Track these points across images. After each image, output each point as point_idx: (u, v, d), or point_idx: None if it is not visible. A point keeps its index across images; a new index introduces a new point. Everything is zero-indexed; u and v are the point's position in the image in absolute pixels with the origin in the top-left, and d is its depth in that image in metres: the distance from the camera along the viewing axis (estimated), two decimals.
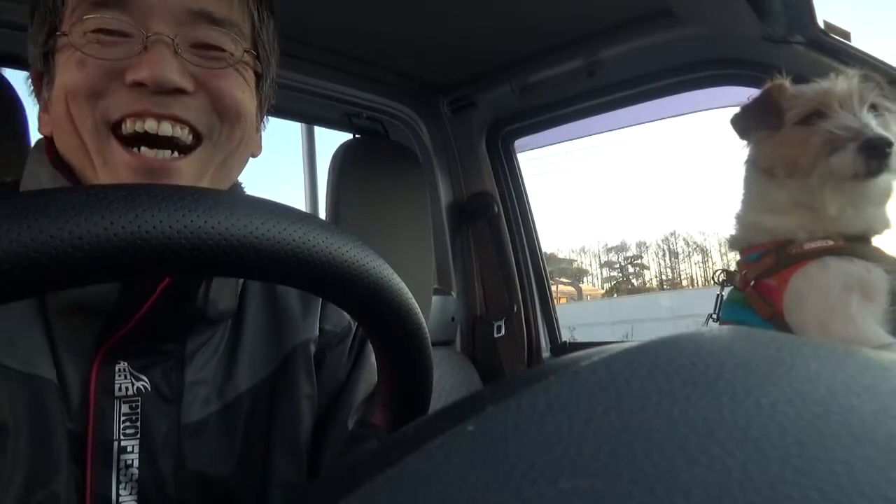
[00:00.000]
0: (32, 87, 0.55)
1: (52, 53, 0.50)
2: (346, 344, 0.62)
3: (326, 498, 0.15)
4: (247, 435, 0.54)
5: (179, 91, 0.48)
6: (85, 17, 0.48)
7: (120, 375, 0.48)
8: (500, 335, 1.57)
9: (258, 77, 0.56)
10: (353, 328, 0.63)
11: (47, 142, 0.52)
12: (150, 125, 0.47)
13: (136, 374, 0.49)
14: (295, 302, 0.60)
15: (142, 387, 0.49)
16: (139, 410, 0.48)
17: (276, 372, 0.57)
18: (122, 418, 0.48)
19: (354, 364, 0.62)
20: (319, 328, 0.60)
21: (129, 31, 0.48)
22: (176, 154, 0.49)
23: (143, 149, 0.47)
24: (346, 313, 0.61)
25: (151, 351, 0.50)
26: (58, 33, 0.49)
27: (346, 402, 0.59)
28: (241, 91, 0.52)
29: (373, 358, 0.63)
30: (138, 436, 0.48)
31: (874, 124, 0.83)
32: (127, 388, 0.48)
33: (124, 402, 0.48)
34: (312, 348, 0.59)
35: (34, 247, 0.23)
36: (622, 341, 0.22)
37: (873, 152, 0.81)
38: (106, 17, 0.48)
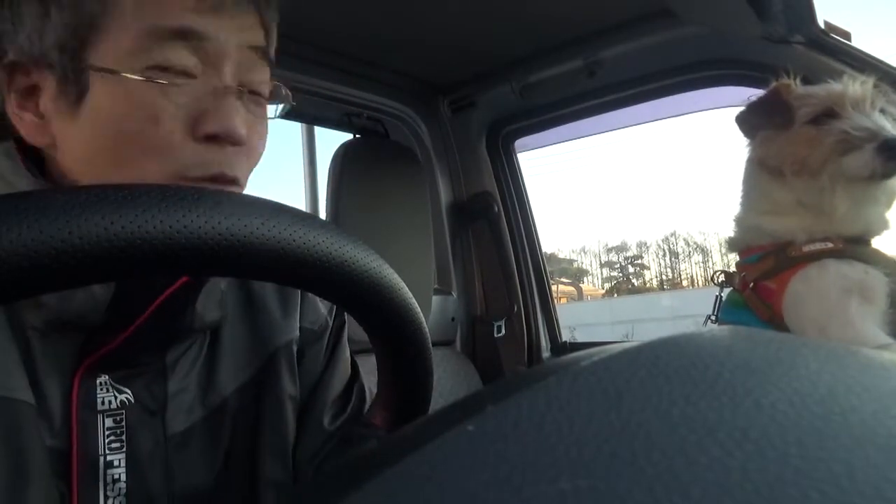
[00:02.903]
0: (6, 80, 0.47)
1: (81, 72, 0.45)
2: (324, 341, 0.62)
3: (326, 498, 0.15)
4: (233, 439, 0.53)
5: (239, 144, 0.47)
6: (149, 49, 0.44)
7: (102, 389, 0.47)
8: (500, 335, 1.57)
9: None
10: (330, 324, 0.62)
11: (24, 150, 0.48)
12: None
13: (118, 386, 0.48)
14: (273, 302, 0.59)
15: (125, 399, 0.48)
16: (124, 424, 0.47)
17: (260, 373, 0.56)
18: (107, 432, 0.46)
19: (329, 360, 0.61)
20: (299, 327, 0.60)
21: (194, 72, 0.45)
22: None
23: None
24: (322, 309, 0.62)
25: (133, 363, 0.49)
26: (113, 69, 0.44)
27: (321, 399, 0.59)
28: (266, 133, 0.52)
29: (347, 353, 0.63)
30: (124, 449, 0.47)
31: (890, 126, 0.83)
32: (110, 402, 0.47)
33: (108, 416, 0.47)
34: (295, 348, 0.59)
35: (35, 247, 0.23)
36: (622, 341, 0.22)
37: (891, 153, 0.81)
38: (174, 52, 0.45)
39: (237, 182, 0.48)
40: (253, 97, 0.49)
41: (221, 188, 0.46)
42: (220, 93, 0.46)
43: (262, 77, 0.50)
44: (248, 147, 0.49)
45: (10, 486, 0.42)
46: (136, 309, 0.46)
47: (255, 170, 0.58)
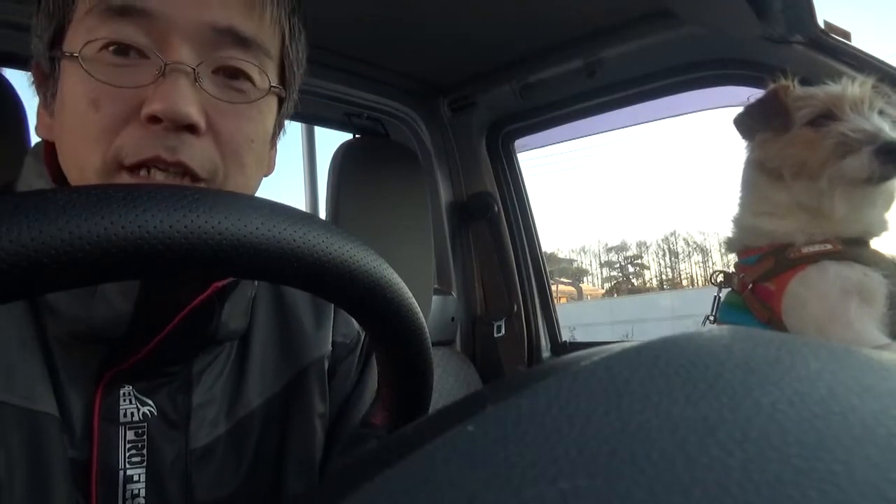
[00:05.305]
0: (33, 80, 0.50)
1: (59, 60, 0.45)
2: (356, 355, 0.60)
3: (326, 498, 0.15)
4: (257, 454, 0.52)
5: (192, 128, 0.43)
6: (97, 29, 0.43)
7: (125, 400, 0.46)
8: (500, 335, 1.57)
9: (280, 101, 0.52)
10: (362, 338, 0.61)
11: (47, 147, 0.48)
12: (158, 176, 0.43)
13: (141, 398, 0.47)
14: (307, 315, 0.58)
15: (148, 412, 0.47)
16: (145, 437, 0.46)
17: (289, 387, 0.55)
18: (128, 445, 0.46)
19: (361, 374, 0.60)
20: (332, 341, 0.59)
21: (146, 51, 0.43)
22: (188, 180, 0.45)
23: (153, 171, 0.43)
24: (354, 322, 0.60)
25: (157, 373, 0.48)
26: (65, 52, 0.44)
27: (353, 413, 0.58)
28: (255, 127, 0.48)
29: None
30: (144, 464, 0.46)
31: (888, 128, 0.83)
32: (132, 414, 0.46)
33: (129, 429, 0.46)
34: (326, 364, 0.57)
35: (34, 247, 0.23)
36: (622, 341, 0.22)
37: (890, 156, 0.80)
38: (121, 30, 0.43)
39: (193, 173, 0.44)
40: (225, 81, 0.46)
41: (176, 182, 0.43)
42: (165, 71, 0.43)
43: (239, 63, 0.46)
44: (215, 135, 0.45)
45: (31, 498, 0.41)
46: (160, 321, 0.45)
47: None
